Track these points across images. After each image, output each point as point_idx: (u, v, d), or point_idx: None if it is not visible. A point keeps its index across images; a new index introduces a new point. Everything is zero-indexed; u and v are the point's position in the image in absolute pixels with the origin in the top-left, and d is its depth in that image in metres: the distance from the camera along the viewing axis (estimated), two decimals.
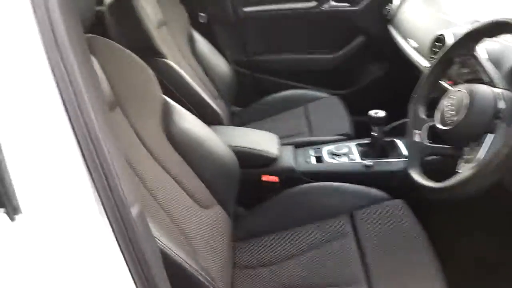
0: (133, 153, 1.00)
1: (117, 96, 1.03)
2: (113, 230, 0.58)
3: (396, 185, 1.25)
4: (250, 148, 1.39)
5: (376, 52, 2.09)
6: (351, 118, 1.77)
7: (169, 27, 1.73)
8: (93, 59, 0.98)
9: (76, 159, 0.53)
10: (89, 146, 0.54)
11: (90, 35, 1.01)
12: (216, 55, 1.94)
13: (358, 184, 1.27)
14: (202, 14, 2.02)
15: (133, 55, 1.11)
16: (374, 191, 1.25)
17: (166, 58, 1.50)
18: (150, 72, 1.13)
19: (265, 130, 1.54)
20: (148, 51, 1.47)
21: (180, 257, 0.82)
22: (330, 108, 1.86)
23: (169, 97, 1.21)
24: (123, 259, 0.59)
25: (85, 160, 0.54)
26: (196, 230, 1.06)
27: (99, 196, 0.56)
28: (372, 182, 1.28)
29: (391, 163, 1.34)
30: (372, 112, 1.34)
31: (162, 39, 1.61)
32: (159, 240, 0.79)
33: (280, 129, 1.73)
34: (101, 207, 0.57)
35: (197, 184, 1.15)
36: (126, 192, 0.58)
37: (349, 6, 2.03)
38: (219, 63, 1.92)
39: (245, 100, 2.06)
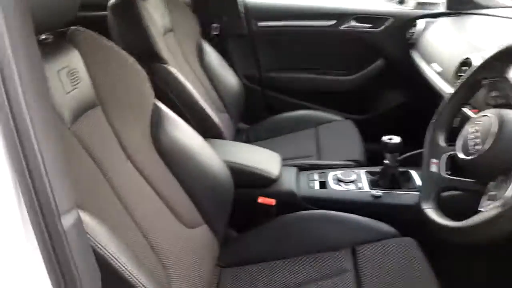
0: (109, 158, 0.90)
1: (98, 94, 0.93)
2: (38, 242, 0.47)
3: (406, 220, 1.11)
4: (247, 166, 1.27)
5: (396, 77, 1.96)
6: (364, 144, 1.64)
7: (177, 35, 1.66)
8: (75, 51, 0.90)
9: None
10: (14, 140, 0.44)
11: (73, 27, 0.93)
12: (226, 68, 1.85)
13: (364, 215, 1.14)
14: (214, 25, 1.94)
15: (124, 53, 1.02)
16: (381, 225, 1.11)
17: (168, 64, 1.41)
18: (142, 73, 1.04)
19: (270, 149, 1.42)
20: (148, 55, 1.38)
21: (138, 280, 0.70)
22: (342, 132, 1.73)
23: (167, 104, 1.12)
24: (47, 277, 0.47)
25: (9, 157, 0.44)
26: (174, 250, 0.94)
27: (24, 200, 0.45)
28: (380, 215, 1.14)
29: (403, 196, 1.20)
30: (385, 138, 1.21)
31: (167, 46, 1.54)
32: (114, 258, 0.67)
33: (286, 150, 1.61)
34: (25, 213, 0.46)
35: (183, 200, 1.04)
36: (59, 197, 0.47)
37: (370, 28, 1.92)
38: (228, 77, 1.83)
39: (253, 117, 1.96)
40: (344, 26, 1.93)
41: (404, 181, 1.26)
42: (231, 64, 1.92)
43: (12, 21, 0.44)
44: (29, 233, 0.46)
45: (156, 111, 1.05)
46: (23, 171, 0.45)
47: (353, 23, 1.93)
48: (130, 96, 1.01)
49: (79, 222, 0.51)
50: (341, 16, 1.92)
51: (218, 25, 1.95)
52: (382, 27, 1.91)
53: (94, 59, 0.94)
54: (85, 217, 0.66)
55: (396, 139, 1.20)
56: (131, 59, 1.03)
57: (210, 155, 1.13)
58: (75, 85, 0.87)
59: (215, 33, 1.95)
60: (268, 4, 2.01)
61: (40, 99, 0.47)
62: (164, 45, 1.48)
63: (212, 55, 1.81)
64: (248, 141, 1.80)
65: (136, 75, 1.03)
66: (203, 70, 1.75)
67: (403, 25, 1.87)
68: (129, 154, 0.96)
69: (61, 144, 0.49)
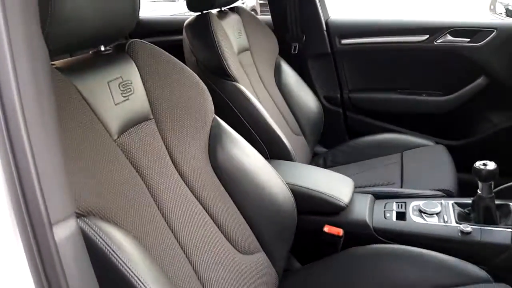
0: (157, 173, 0.86)
1: (153, 107, 0.91)
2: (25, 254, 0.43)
3: (501, 263, 0.92)
4: (314, 190, 1.16)
5: (501, 97, 1.69)
6: (458, 174, 1.41)
7: (254, 54, 1.63)
8: (131, 62, 0.90)
9: None
10: (5, 144, 0.41)
11: (133, 39, 0.94)
12: (304, 88, 1.77)
13: (449, 254, 0.96)
14: (294, 44, 1.89)
15: (186, 68, 1.00)
16: (470, 268, 0.92)
17: (237, 82, 1.38)
18: (203, 87, 1.01)
19: (346, 175, 1.29)
20: (219, 72, 1.37)
21: None
22: (432, 158, 1.52)
23: (234, 123, 1.08)
24: None
25: None
26: (222, 276, 0.87)
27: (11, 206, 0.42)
28: (469, 255, 0.96)
29: (498, 233, 0.99)
30: (479, 163, 1.01)
31: (240, 64, 1.51)
32: (137, 278, 0.60)
33: (364, 176, 1.46)
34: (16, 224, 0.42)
35: (239, 224, 0.97)
36: (53, 205, 0.43)
37: (468, 42, 1.70)
38: (307, 98, 1.75)
39: (333, 140, 1.84)
40: (438, 41, 1.73)
41: (501, 216, 1.04)
42: (311, 85, 1.84)
43: (13, 18, 0.42)
44: (18, 242, 0.42)
45: (216, 127, 1.01)
46: (12, 177, 0.41)
47: (449, 37, 1.72)
48: (189, 112, 0.97)
49: (76, 234, 0.46)
50: (435, 30, 1.73)
51: (298, 44, 1.89)
52: (484, 41, 1.67)
53: (151, 71, 0.93)
54: (110, 229, 0.62)
55: (491, 165, 1.00)
56: (190, 71, 1.01)
57: (272, 177, 1.05)
58: (126, 96, 0.86)
59: (294, 52, 1.89)
60: (352, 20, 1.89)
61: (38, 101, 0.44)
62: (236, 63, 1.45)
63: (289, 75, 1.75)
64: (324, 165, 1.67)
65: (197, 91, 1.00)
66: (278, 90, 1.70)
67: (510, 38, 1.62)
68: (181, 171, 0.92)
69: (60, 149, 0.46)
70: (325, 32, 1.86)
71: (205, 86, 1.02)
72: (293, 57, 1.87)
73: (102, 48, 0.87)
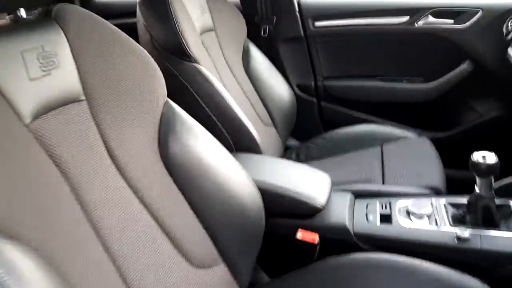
0: (86, 168, 0.69)
1: (86, 85, 0.73)
2: None
3: (505, 274, 0.79)
4: (284, 188, 0.99)
5: (488, 83, 1.57)
6: (445, 169, 1.27)
7: (219, 35, 1.44)
8: (58, 30, 0.73)
9: None
10: None
11: (63, 3, 0.75)
12: (275, 75, 1.60)
13: (444, 264, 0.82)
14: (264, 26, 1.70)
15: (134, 42, 0.82)
16: (467, 280, 0.78)
17: (198, 63, 1.19)
18: (153, 65, 0.85)
19: (324, 171, 1.12)
20: (177, 52, 1.18)
21: None
22: (416, 152, 1.37)
23: (193, 109, 0.92)
24: None
25: None
26: None
27: None
28: (467, 265, 0.82)
29: (501, 240, 0.85)
30: (477, 155, 0.87)
31: (203, 45, 1.33)
32: None
33: (342, 172, 1.30)
34: None
35: (194, 230, 0.80)
36: None
37: (452, 24, 1.57)
38: (278, 86, 1.58)
39: (306, 133, 1.68)
40: (419, 23, 1.59)
41: (502, 219, 0.90)
42: (282, 71, 1.67)
43: None
44: None
45: (168, 113, 0.83)
46: None
47: (431, 18, 1.58)
48: (133, 93, 0.80)
49: None
50: (415, 11, 1.59)
51: (268, 26, 1.71)
52: (469, 23, 1.54)
53: (86, 43, 0.75)
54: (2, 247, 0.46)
55: (492, 157, 0.85)
56: (139, 49, 0.82)
57: (235, 173, 0.88)
58: (46, 70, 0.67)
59: (264, 35, 1.71)
60: (326, 1, 1.73)
61: None
62: (198, 44, 1.27)
63: (259, 60, 1.57)
64: (298, 160, 1.51)
65: (145, 69, 0.82)
66: (247, 77, 1.52)
67: (497, 19, 1.49)
68: (121, 166, 0.74)
69: None
70: (297, 14, 1.69)
71: (156, 64, 0.85)
72: (263, 40, 1.69)
73: (23, 14, 0.69)
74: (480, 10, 1.52)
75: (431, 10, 1.57)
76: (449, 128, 1.65)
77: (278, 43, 1.72)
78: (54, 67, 0.69)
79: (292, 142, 1.73)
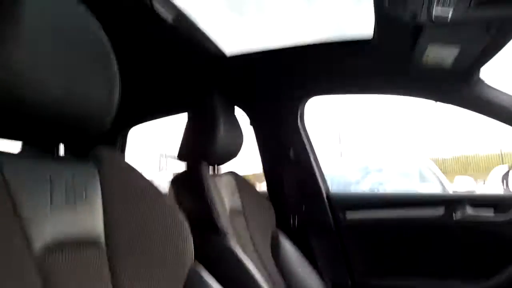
0: None
1: (109, 229, 0.62)
2: None
3: None
4: None
5: None
6: None
7: (248, 219, 1.37)
8: (93, 168, 0.68)
9: None
10: None
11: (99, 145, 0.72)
12: (307, 270, 1.45)
13: None
14: (293, 214, 1.63)
15: (162, 193, 0.75)
16: None
17: (229, 239, 1.08)
18: (184, 224, 0.74)
19: None
20: (208, 226, 1.08)
21: None
22: None
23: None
24: None
25: None
26: None
27: None
28: None
29: None
30: None
31: (233, 227, 1.24)
32: None
33: None
34: None
35: None
36: None
37: (494, 216, 1.47)
38: (310, 282, 1.41)
39: None
40: (456, 214, 1.50)
41: None
42: (315, 266, 1.50)
43: None
44: None
45: (195, 277, 0.70)
46: None
47: (469, 211, 1.50)
48: (160, 247, 0.67)
49: None
50: (451, 202, 1.53)
51: (297, 215, 1.63)
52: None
53: (118, 189, 0.69)
54: None
55: None
56: (172, 206, 0.75)
57: None
58: (71, 200, 0.58)
59: (294, 228, 1.61)
60: (356, 193, 1.70)
61: None
62: (228, 223, 1.18)
63: (290, 252, 1.44)
64: None
65: (176, 227, 0.73)
66: (277, 268, 1.37)
67: None
68: None
69: None
70: (327, 205, 1.63)
71: (186, 223, 0.74)
72: (293, 232, 1.58)
73: (61, 152, 0.65)
74: None
75: (469, 201, 1.50)
76: None
77: (310, 236, 1.61)
78: (80, 198, 0.62)
79: None
